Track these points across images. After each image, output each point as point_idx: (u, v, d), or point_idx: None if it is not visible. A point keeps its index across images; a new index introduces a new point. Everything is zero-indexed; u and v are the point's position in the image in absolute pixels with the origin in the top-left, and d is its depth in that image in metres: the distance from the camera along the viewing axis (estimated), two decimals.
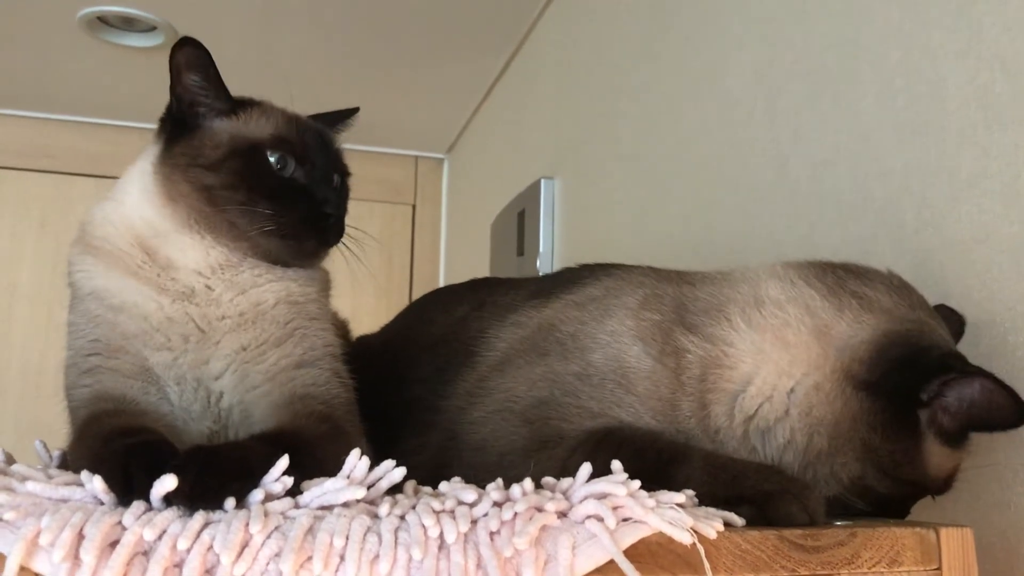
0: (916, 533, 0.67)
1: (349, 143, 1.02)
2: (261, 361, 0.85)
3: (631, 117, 1.81)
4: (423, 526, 0.58)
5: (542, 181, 2.21)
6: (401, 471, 0.66)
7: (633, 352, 0.86)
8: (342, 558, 0.56)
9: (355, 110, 1.05)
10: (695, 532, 0.61)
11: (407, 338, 1.12)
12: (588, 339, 0.89)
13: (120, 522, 0.56)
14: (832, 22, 1.18)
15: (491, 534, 0.59)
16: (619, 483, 0.63)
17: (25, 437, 0.94)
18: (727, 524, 0.65)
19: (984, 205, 0.91)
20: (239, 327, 0.86)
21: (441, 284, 3.26)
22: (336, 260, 0.97)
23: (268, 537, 0.56)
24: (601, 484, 0.64)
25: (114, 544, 0.54)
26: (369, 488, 0.64)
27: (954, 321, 0.89)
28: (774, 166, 1.28)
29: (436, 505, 0.61)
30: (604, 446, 0.77)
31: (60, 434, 0.87)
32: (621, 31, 1.89)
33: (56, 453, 0.86)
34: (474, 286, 1.16)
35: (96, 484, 0.61)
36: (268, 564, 0.55)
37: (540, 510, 0.61)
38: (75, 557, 0.53)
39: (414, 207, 3.53)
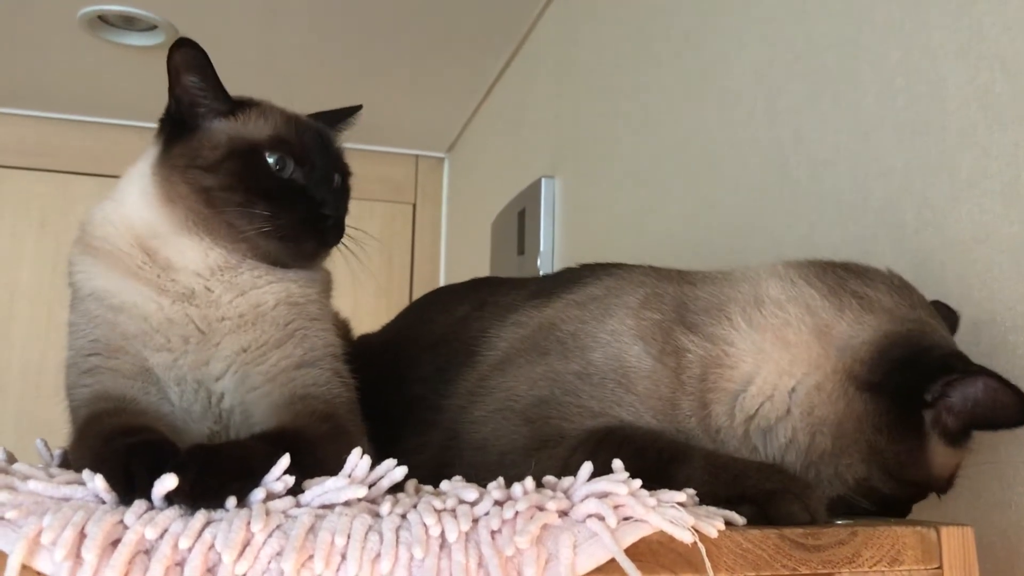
0: (917, 532, 0.68)
1: (349, 142, 1.02)
2: (262, 362, 0.85)
3: (631, 116, 1.81)
4: (424, 525, 0.58)
5: (543, 180, 2.21)
6: (402, 470, 0.67)
7: (633, 351, 0.86)
8: (343, 557, 0.56)
9: (357, 108, 1.04)
10: (696, 531, 0.61)
11: (408, 337, 1.12)
12: (589, 338, 0.89)
13: (122, 521, 0.56)
14: (832, 22, 1.18)
15: (492, 533, 0.59)
16: (620, 482, 0.63)
17: (26, 436, 0.94)
18: (728, 523, 0.65)
19: (984, 205, 0.91)
20: (239, 328, 0.85)
21: (441, 283, 3.27)
22: (336, 260, 0.97)
23: (270, 536, 0.56)
24: (602, 483, 0.64)
25: (116, 543, 0.54)
26: (370, 487, 0.64)
27: (948, 317, 0.89)
28: (774, 165, 1.29)
29: (437, 504, 0.62)
30: (605, 445, 0.77)
31: (61, 433, 0.87)
32: (621, 30, 1.89)
33: (57, 452, 0.86)
34: (475, 285, 1.16)
35: (97, 483, 0.61)
36: (270, 563, 0.55)
37: (541, 509, 0.61)
38: (77, 556, 0.53)
39: (414, 206, 3.53)
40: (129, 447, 0.65)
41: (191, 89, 0.89)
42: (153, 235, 0.87)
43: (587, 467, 0.66)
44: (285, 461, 0.63)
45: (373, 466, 0.66)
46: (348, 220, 0.96)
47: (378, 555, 0.56)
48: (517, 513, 0.60)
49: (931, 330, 0.82)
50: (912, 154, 1.02)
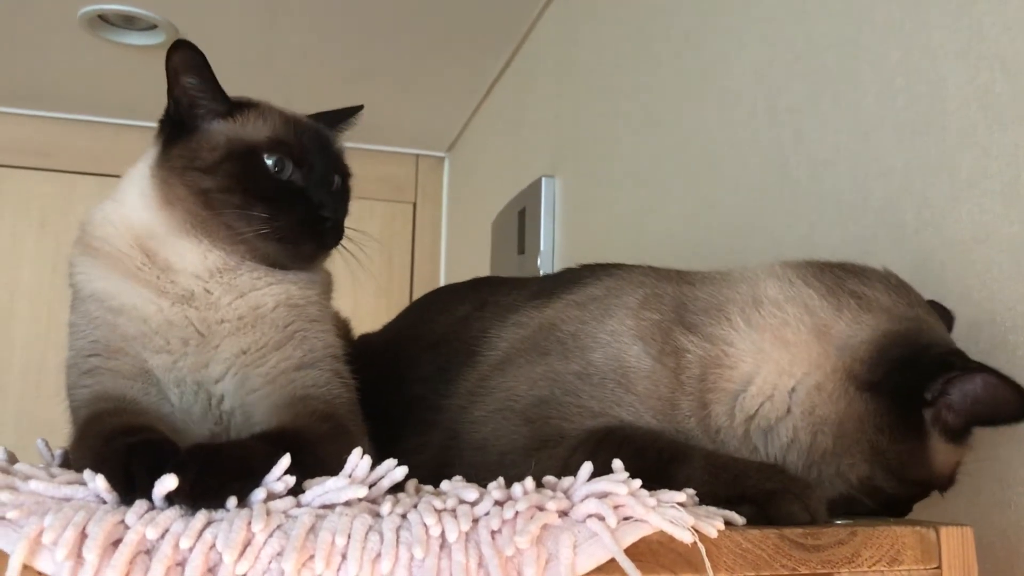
0: (916, 532, 0.68)
1: (349, 141, 1.02)
2: (261, 364, 0.85)
3: (632, 116, 1.81)
4: (425, 525, 0.59)
5: (543, 179, 2.21)
6: (403, 470, 0.67)
7: (633, 352, 0.86)
8: (344, 557, 0.56)
9: (359, 108, 1.04)
10: (696, 531, 0.61)
11: (409, 337, 1.12)
12: (589, 338, 0.89)
13: (123, 521, 0.56)
14: (832, 22, 1.19)
15: (492, 533, 0.59)
16: (620, 482, 0.63)
17: (26, 436, 0.94)
18: (728, 523, 0.65)
19: (984, 205, 0.91)
20: (238, 331, 0.85)
21: (442, 282, 3.27)
22: (336, 260, 0.97)
23: (270, 536, 0.56)
24: (602, 483, 0.64)
25: (117, 543, 0.55)
26: (371, 487, 0.64)
27: (944, 317, 0.89)
28: (774, 165, 1.29)
29: (438, 504, 0.62)
30: (605, 445, 0.77)
31: (62, 433, 0.87)
32: (622, 30, 1.89)
33: (58, 452, 0.86)
34: (476, 285, 1.16)
35: (98, 483, 0.61)
36: (270, 563, 0.55)
37: (541, 509, 0.61)
38: (78, 556, 0.54)
39: (415, 205, 3.54)
40: (130, 447, 0.65)
41: (189, 90, 0.89)
42: (152, 236, 0.87)
43: (587, 467, 0.67)
44: (286, 461, 0.63)
45: (373, 466, 0.66)
46: (348, 220, 0.95)
47: (378, 555, 0.56)
48: (517, 513, 0.60)
49: (929, 328, 0.83)
50: (912, 154, 1.02)
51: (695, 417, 0.83)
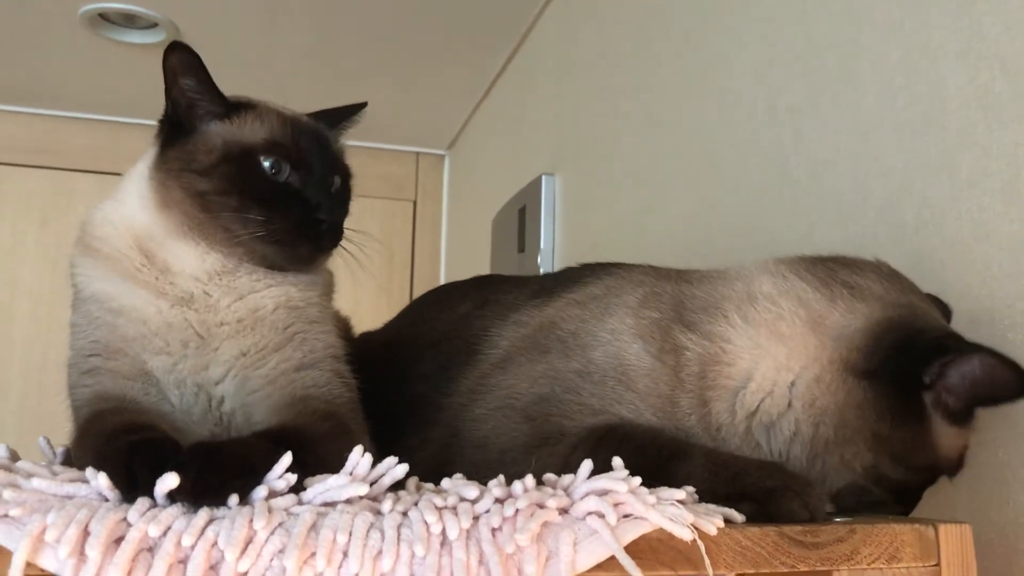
0: (915, 529, 0.68)
1: (349, 139, 1.02)
2: (261, 366, 0.85)
3: (632, 114, 1.81)
4: (425, 522, 0.59)
5: (543, 177, 2.21)
6: (403, 468, 0.67)
7: (633, 350, 0.86)
8: (345, 554, 0.56)
9: (362, 105, 1.03)
10: (696, 528, 0.62)
11: (410, 335, 1.13)
12: (589, 337, 0.89)
13: (125, 519, 0.56)
14: (832, 21, 1.19)
15: (493, 530, 0.60)
16: (620, 480, 0.64)
17: (27, 434, 0.94)
18: (727, 520, 0.65)
19: (984, 204, 0.91)
20: (238, 333, 0.85)
21: (442, 280, 3.27)
22: (337, 259, 0.97)
23: (272, 533, 0.57)
24: (602, 481, 0.64)
25: (119, 540, 0.55)
26: (372, 485, 0.65)
27: (942, 311, 0.90)
28: (774, 165, 1.29)
29: (438, 501, 0.62)
30: (605, 443, 0.77)
31: (63, 431, 0.87)
32: (622, 29, 1.89)
33: (59, 450, 0.87)
34: (477, 283, 1.17)
35: (101, 481, 0.61)
36: (272, 560, 0.55)
37: (541, 507, 0.62)
38: (81, 553, 0.54)
39: (415, 203, 3.54)
40: (131, 445, 0.65)
41: (187, 92, 0.88)
42: (151, 238, 0.87)
43: (587, 465, 0.67)
44: (287, 459, 0.64)
45: (374, 464, 0.67)
46: (348, 220, 0.95)
47: (380, 552, 0.57)
48: (518, 511, 0.61)
49: (923, 313, 0.83)
50: (912, 154, 1.02)
51: (695, 415, 0.83)
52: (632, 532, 0.61)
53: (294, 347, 0.87)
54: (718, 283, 0.90)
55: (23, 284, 3.08)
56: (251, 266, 0.88)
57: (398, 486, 0.68)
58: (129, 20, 2.52)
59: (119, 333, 0.84)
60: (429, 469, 0.78)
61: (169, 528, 0.56)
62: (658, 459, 0.75)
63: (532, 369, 0.90)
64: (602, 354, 0.87)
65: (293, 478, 0.63)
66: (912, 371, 0.78)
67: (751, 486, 0.71)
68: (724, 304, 0.86)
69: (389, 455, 0.68)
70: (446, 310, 1.11)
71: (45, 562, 0.54)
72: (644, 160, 1.74)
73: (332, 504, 0.62)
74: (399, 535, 0.58)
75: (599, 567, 0.59)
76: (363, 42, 2.62)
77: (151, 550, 0.55)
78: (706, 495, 0.69)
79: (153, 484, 0.59)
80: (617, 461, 0.68)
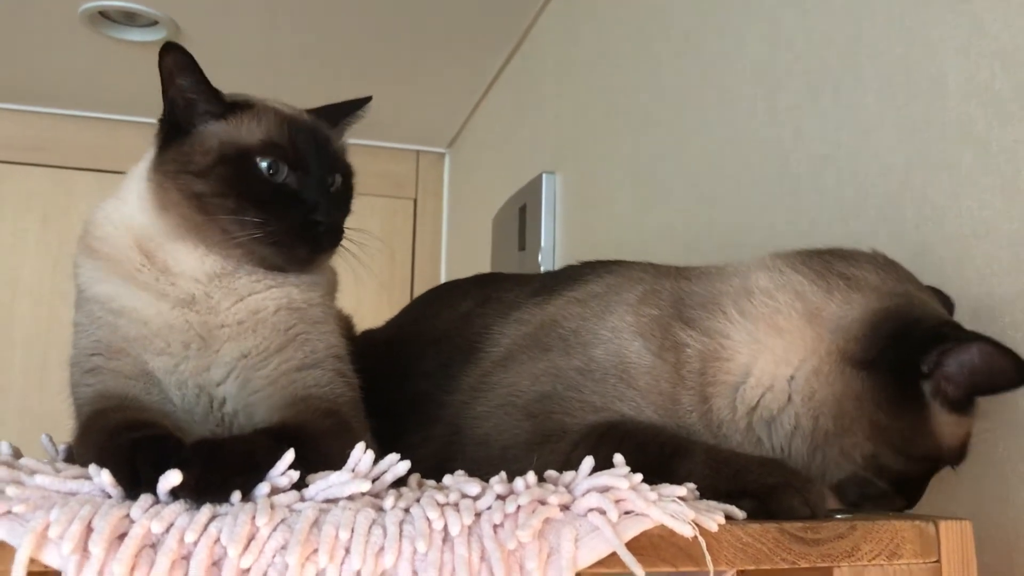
0: (915, 526, 0.68)
1: (351, 137, 1.01)
2: (263, 367, 0.85)
3: (632, 113, 1.81)
4: (427, 519, 0.59)
5: (543, 176, 2.21)
6: (405, 464, 0.67)
7: (633, 348, 0.87)
8: (347, 550, 0.56)
9: (367, 100, 1.02)
10: (696, 525, 0.62)
11: (412, 333, 1.13)
12: (590, 335, 0.90)
13: (128, 515, 0.57)
14: (833, 19, 1.19)
15: (495, 527, 0.60)
16: (621, 476, 0.64)
17: (28, 432, 0.94)
18: (728, 517, 0.65)
19: (984, 201, 0.92)
20: (239, 335, 0.85)
21: (442, 279, 3.27)
22: (338, 258, 0.97)
23: (274, 530, 0.57)
24: (603, 477, 0.64)
25: (122, 537, 0.55)
26: (374, 481, 0.65)
27: (944, 304, 0.89)
28: (775, 162, 1.29)
29: (440, 498, 0.62)
30: (606, 440, 0.77)
31: (64, 429, 0.87)
32: (623, 27, 1.89)
33: (62, 447, 0.87)
34: (478, 281, 1.17)
35: (104, 478, 0.61)
36: (274, 556, 0.56)
37: (543, 503, 0.62)
38: (84, 549, 0.54)
39: (415, 201, 3.54)
40: (134, 442, 0.65)
41: (185, 91, 0.88)
42: (150, 239, 0.87)
43: (588, 462, 0.67)
44: (290, 456, 0.64)
45: (376, 461, 0.67)
46: (349, 218, 0.94)
47: (381, 548, 0.57)
48: (519, 507, 0.61)
49: (920, 303, 0.83)
50: (912, 150, 1.02)
51: (696, 412, 0.83)
52: (633, 528, 0.61)
53: (295, 348, 0.87)
54: (716, 279, 0.90)
55: (24, 282, 3.08)
56: (250, 268, 0.88)
57: (400, 483, 0.68)
58: (129, 18, 2.52)
59: (120, 333, 0.84)
60: (431, 466, 0.78)
61: (172, 524, 0.56)
62: (659, 456, 0.75)
63: (533, 367, 0.90)
64: (603, 352, 0.88)
65: (295, 475, 0.63)
66: (910, 360, 0.78)
67: (752, 483, 0.71)
68: (722, 300, 0.86)
69: (391, 452, 0.69)
70: (447, 308, 1.11)
71: (48, 558, 0.54)
72: (645, 158, 1.74)
73: (334, 501, 0.62)
74: (401, 531, 0.58)
75: (600, 563, 0.59)
76: (364, 39, 2.62)
77: (154, 546, 0.55)
78: (707, 492, 0.69)
79: (156, 481, 0.60)
80: (618, 458, 0.68)
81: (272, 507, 0.59)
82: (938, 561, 0.68)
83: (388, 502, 0.62)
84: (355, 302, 1.08)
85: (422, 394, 1.00)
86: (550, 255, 2.17)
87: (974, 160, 0.93)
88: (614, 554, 0.59)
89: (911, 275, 0.87)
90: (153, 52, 0.87)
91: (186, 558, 0.55)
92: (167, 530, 0.56)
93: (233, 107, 0.90)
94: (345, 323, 1.08)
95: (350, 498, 0.62)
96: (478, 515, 0.61)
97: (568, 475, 0.67)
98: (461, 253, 3.29)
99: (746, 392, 0.82)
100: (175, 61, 0.86)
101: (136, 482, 0.61)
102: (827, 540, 0.66)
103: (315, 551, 0.56)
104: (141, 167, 0.91)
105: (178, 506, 0.58)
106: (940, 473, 0.84)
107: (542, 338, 0.92)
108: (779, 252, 0.90)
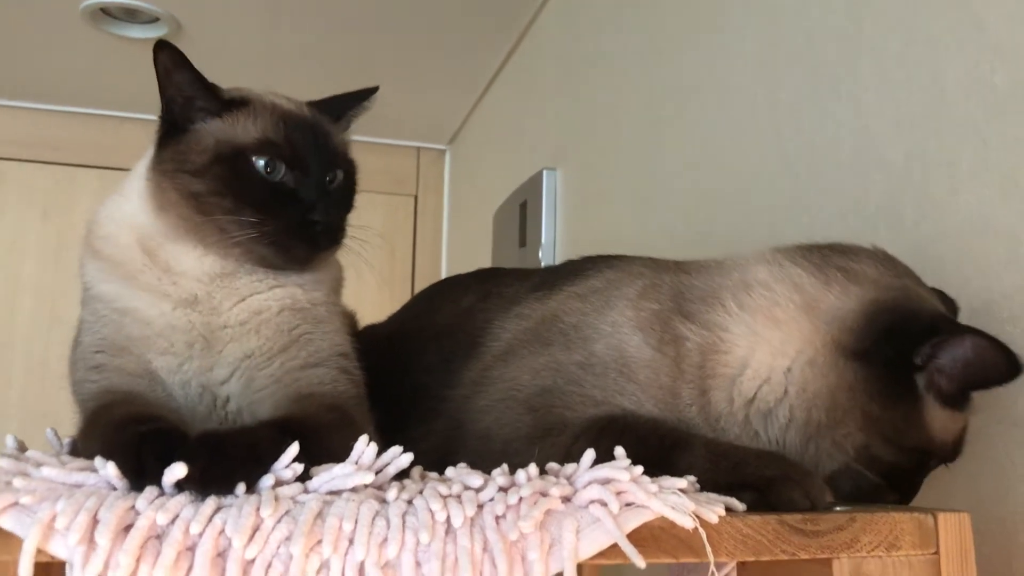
0: (914, 518, 0.69)
1: (352, 133, 1.01)
2: (266, 366, 0.85)
3: (633, 108, 1.82)
4: (430, 510, 0.60)
5: (544, 172, 2.21)
6: (408, 457, 0.68)
7: (633, 342, 0.87)
8: (351, 541, 0.57)
9: (373, 90, 0.99)
10: (697, 517, 0.62)
11: (414, 328, 1.13)
12: (590, 329, 0.90)
13: (134, 507, 0.57)
14: (833, 14, 1.19)
15: (497, 518, 0.60)
16: (622, 469, 0.64)
17: (31, 427, 0.95)
18: (728, 509, 0.66)
19: (984, 196, 0.92)
20: (241, 336, 0.85)
21: (443, 275, 3.26)
22: (340, 254, 0.96)
23: (279, 521, 0.57)
24: (604, 470, 0.65)
25: (128, 528, 0.56)
26: (377, 473, 0.65)
27: (948, 305, 0.90)
28: (775, 157, 1.29)
29: (443, 490, 0.63)
30: (607, 433, 0.78)
31: (66, 423, 0.88)
32: (623, 22, 1.90)
33: (66, 440, 0.87)
34: (480, 276, 1.17)
35: (109, 470, 0.62)
36: (279, 547, 0.56)
37: (545, 495, 0.62)
38: (90, 540, 0.55)
39: (416, 198, 3.54)
40: (140, 435, 0.66)
41: (183, 89, 0.87)
42: (151, 238, 0.87)
43: (590, 454, 0.67)
44: (294, 448, 0.64)
45: (379, 453, 0.67)
46: (351, 215, 0.94)
47: (385, 540, 0.57)
48: (521, 499, 0.62)
49: (917, 296, 0.83)
50: (912, 146, 1.03)
51: (696, 405, 0.84)
52: (634, 520, 0.61)
53: (299, 348, 0.87)
54: (715, 273, 0.90)
55: (25, 279, 3.09)
56: (251, 267, 0.87)
57: (403, 475, 0.69)
58: (130, 15, 2.52)
59: (124, 332, 0.84)
60: (432, 460, 0.79)
61: (177, 516, 0.57)
62: (659, 449, 0.75)
63: (534, 361, 0.90)
64: (603, 346, 0.88)
65: (299, 467, 0.64)
66: (904, 352, 0.79)
67: (752, 475, 0.71)
68: (721, 293, 0.87)
69: (394, 445, 0.69)
70: (449, 303, 1.11)
71: (55, 549, 0.55)
72: (645, 154, 1.75)
73: (338, 492, 0.63)
74: (404, 523, 0.59)
75: (601, 554, 0.60)
76: (365, 35, 2.62)
77: (159, 538, 0.56)
78: (707, 484, 0.70)
79: (161, 473, 0.60)
80: (619, 451, 0.69)
81: (276, 499, 0.59)
82: (936, 553, 0.68)
83: (391, 494, 0.62)
84: (356, 298, 1.08)
85: (423, 388, 1.00)
86: (551, 251, 2.18)
87: (973, 156, 0.93)
88: (615, 545, 0.60)
89: (910, 270, 0.87)
90: None
91: (191, 549, 0.56)
92: (172, 521, 0.56)
93: (230, 104, 0.88)
94: (349, 319, 1.08)
95: (353, 490, 0.63)
96: (480, 507, 0.61)
97: (570, 467, 0.68)
98: (462, 249, 3.30)
99: (743, 384, 0.83)
100: (170, 58, 0.85)
101: (141, 474, 0.61)
102: (826, 532, 0.66)
103: (319, 542, 0.57)
104: (141, 167, 0.91)
105: (183, 498, 0.59)
106: (938, 469, 0.85)
107: (543, 333, 0.93)
108: (779, 246, 0.91)
